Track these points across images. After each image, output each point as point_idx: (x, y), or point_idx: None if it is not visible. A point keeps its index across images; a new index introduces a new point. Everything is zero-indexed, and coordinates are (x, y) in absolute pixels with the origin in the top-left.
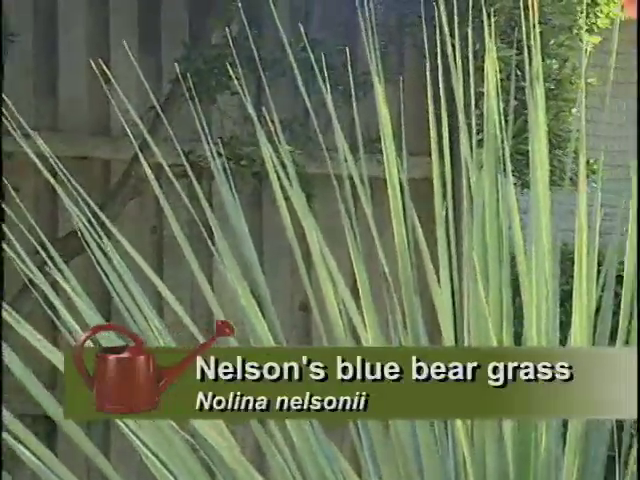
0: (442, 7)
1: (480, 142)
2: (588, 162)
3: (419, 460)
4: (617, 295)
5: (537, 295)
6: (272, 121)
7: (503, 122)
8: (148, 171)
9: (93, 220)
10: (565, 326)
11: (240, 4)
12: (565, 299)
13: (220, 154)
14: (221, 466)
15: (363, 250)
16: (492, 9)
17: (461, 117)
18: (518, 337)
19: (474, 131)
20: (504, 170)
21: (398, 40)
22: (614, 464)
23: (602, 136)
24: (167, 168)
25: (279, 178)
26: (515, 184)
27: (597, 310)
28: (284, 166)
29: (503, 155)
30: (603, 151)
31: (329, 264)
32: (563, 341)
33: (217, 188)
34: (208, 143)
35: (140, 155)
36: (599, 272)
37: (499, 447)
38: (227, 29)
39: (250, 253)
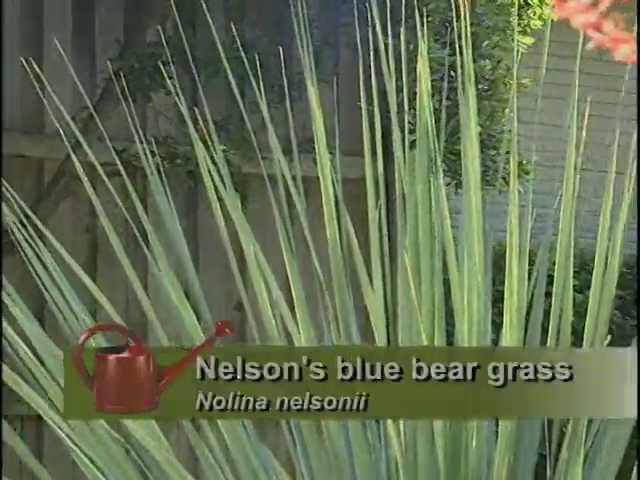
0: (375, 7)
1: (414, 142)
2: (521, 163)
3: (352, 462)
4: (548, 295)
5: (468, 295)
6: (204, 120)
7: (436, 122)
8: (80, 170)
9: (25, 219)
10: (499, 326)
11: (174, 3)
12: (500, 299)
13: (154, 153)
14: (153, 467)
15: (298, 249)
16: (426, 10)
17: (394, 117)
18: (451, 337)
19: (407, 131)
20: (436, 170)
21: (333, 40)
22: (545, 462)
23: (536, 137)
24: (99, 167)
25: (213, 180)
26: (449, 184)
27: (529, 309)
28: (217, 167)
29: (435, 155)
30: (535, 152)
31: (262, 267)
32: (496, 341)
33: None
34: (141, 142)
35: (72, 154)
36: (530, 272)
37: (430, 448)
38: (160, 28)
39: (184, 253)
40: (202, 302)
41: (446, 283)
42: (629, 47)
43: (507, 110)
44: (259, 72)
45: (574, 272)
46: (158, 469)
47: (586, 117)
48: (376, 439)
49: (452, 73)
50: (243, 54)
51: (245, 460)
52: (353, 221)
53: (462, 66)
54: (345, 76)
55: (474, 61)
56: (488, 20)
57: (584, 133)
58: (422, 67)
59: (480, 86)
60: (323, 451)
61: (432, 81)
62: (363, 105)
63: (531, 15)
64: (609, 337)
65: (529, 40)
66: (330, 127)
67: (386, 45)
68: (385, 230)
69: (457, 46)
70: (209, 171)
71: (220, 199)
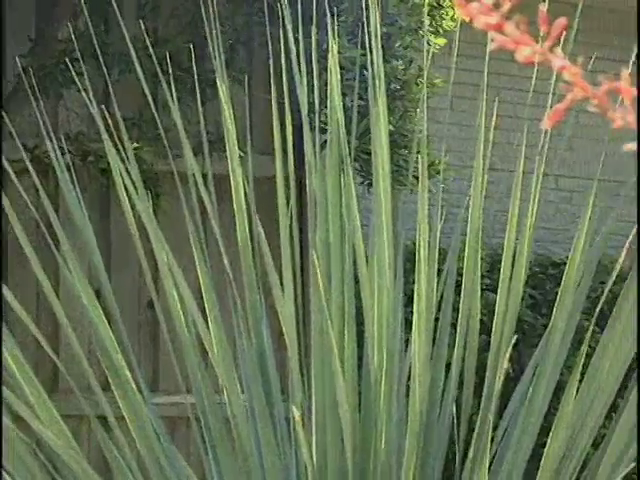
0: (286, 7)
1: (326, 142)
2: (434, 163)
3: (261, 463)
4: (459, 294)
5: (378, 294)
6: (111, 114)
7: (349, 122)
8: None
9: None
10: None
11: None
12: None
13: (63, 150)
14: (62, 468)
15: (211, 248)
16: (337, 9)
17: (304, 116)
18: (361, 337)
19: (319, 131)
20: (346, 169)
21: (247, 39)
22: (454, 459)
23: (448, 136)
24: (7, 165)
25: (123, 179)
26: (362, 183)
27: (439, 308)
28: (125, 165)
29: (347, 155)
30: (447, 151)
31: (172, 267)
32: (407, 340)
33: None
34: (51, 140)
35: None
36: (440, 271)
37: (340, 450)
38: (72, 25)
39: (94, 252)
40: (112, 302)
41: (357, 283)
42: (529, 49)
43: (419, 110)
44: (170, 69)
45: (487, 271)
46: (66, 469)
47: (494, 117)
48: (286, 440)
49: (365, 72)
50: (158, 51)
51: (154, 460)
52: (269, 220)
53: (373, 65)
54: (258, 75)
55: (387, 61)
56: (401, 21)
57: (492, 133)
58: (333, 66)
59: (392, 86)
60: (233, 452)
61: (345, 80)
62: (274, 104)
63: (443, 16)
64: (516, 336)
65: (442, 41)
66: (245, 126)
67: (297, 44)
68: (296, 230)
69: (369, 46)
70: (119, 170)
71: (131, 198)
